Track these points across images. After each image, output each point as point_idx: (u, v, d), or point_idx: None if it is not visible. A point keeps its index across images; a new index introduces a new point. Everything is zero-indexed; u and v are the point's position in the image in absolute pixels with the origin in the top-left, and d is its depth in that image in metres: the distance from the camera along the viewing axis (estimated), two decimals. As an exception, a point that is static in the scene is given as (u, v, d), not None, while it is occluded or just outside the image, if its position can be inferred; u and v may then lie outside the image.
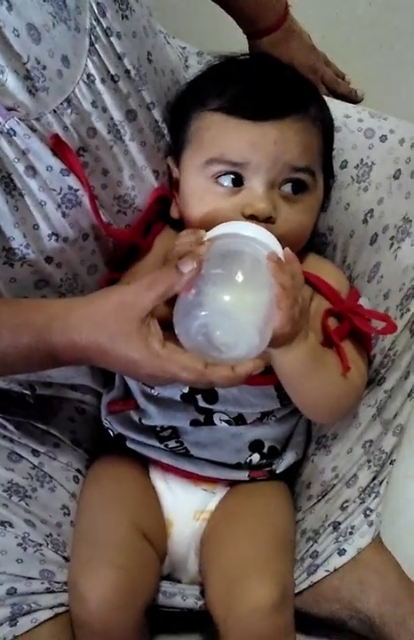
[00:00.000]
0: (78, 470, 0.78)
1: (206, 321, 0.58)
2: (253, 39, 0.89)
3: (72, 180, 0.66)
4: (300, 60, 0.90)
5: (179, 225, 0.73)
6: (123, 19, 0.68)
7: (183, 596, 0.75)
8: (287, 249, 0.63)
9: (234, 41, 0.88)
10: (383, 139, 0.75)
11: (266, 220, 0.66)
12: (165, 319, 0.61)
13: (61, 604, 0.71)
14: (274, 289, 0.60)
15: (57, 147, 0.65)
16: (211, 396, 0.72)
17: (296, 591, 0.75)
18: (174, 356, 0.59)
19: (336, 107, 0.78)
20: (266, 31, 0.87)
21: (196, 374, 0.59)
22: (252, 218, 0.66)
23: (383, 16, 1.19)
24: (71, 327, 0.61)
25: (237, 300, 0.59)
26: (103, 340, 0.60)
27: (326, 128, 0.73)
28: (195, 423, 0.74)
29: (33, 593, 0.70)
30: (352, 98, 0.96)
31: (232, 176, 0.67)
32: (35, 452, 0.75)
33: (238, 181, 0.67)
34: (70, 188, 0.67)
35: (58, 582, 0.71)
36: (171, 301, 0.61)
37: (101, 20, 0.66)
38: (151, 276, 0.61)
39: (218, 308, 0.58)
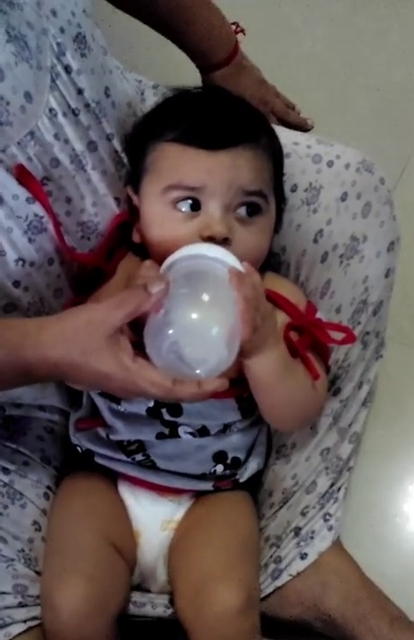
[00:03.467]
0: (48, 487, 0.80)
1: (176, 339, 0.61)
2: (205, 73, 0.94)
3: (37, 208, 0.70)
4: (251, 93, 0.95)
5: (141, 249, 0.77)
6: (81, 57, 0.72)
7: (153, 605, 0.77)
8: (245, 262, 0.67)
9: (188, 74, 0.93)
10: (330, 164, 0.80)
11: (224, 242, 0.70)
12: (133, 342, 0.64)
13: (34, 618, 0.72)
14: (237, 301, 0.63)
15: (21, 176, 0.68)
16: (176, 409, 0.75)
17: (261, 596, 0.78)
18: (144, 371, 0.62)
19: (285, 135, 0.82)
20: (217, 66, 0.92)
21: (164, 390, 0.62)
22: (210, 239, 0.69)
23: (327, 51, 1.26)
24: (43, 344, 0.64)
25: (204, 316, 0.62)
26: (75, 355, 0.63)
27: (276, 155, 0.77)
28: (160, 436, 0.76)
29: (6, 607, 0.71)
30: (302, 126, 1.01)
31: (190, 201, 0.71)
32: (5, 470, 0.77)
33: (195, 206, 0.71)
34: (36, 215, 0.70)
35: (31, 596, 0.73)
36: (137, 327, 0.64)
37: (61, 58, 0.70)
38: (120, 295, 0.64)
39: (187, 326, 0.62)
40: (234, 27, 0.94)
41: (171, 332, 0.61)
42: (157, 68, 0.93)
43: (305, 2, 1.31)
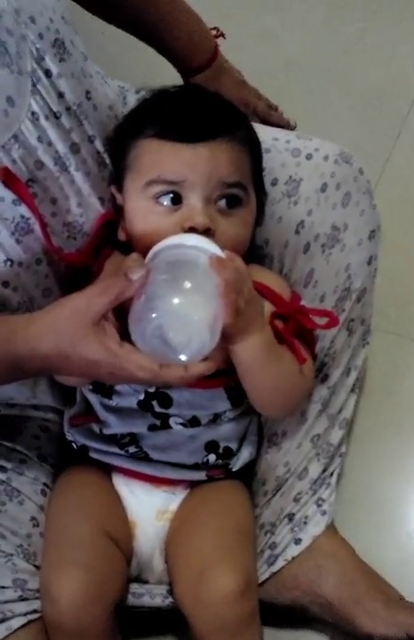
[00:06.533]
0: (45, 484, 0.81)
1: (159, 323, 0.63)
2: (187, 77, 0.96)
3: (23, 210, 0.71)
4: (232, 95, 0.96)
5: (127, 249, 0.78)
6: (60, 61, 0.73)
7: (151, 595, 0.78)
8: (227, 250, 0.68)
9: (171, 79, 0.95)
10: (309, 156, 0.81)
11: (206, 233, 0.71)
12: (119, 331, 0.65)
13: (34, 611, 0.73)
14: (218, 284, 0.65)
15: (7, 179, 0.70)
16: (166, 400, 0.76)
17: (258, 582, 0.78)
18: (131, 355, 0.63)
19: (265, 131, 0.84)
20: (198, 69, 0.94)
21: (152, 374, 0.63)
22: (192, 230, 0.71)
23: (306, 53, 1.28)
24: (32, 337, 0.65)
25: (186, 300, 0.64)
26: (63, 345, 0.64)
27: (254, 148, 0.78)
28: (152, 428, 0.78)
29: (6, 601, 0.72)
30: (285, 127, 1.02)
31: (171, 195, 0.72)
32: (2, 468, 0.79)
33: (177, 200, 0.72)
34: (22, 216, 0.71)
35: (30, 590, 0.74)
36: (123, 316, 0.66)
37: (41, 63, 0.72)
38: (103, 283, 0.66)
39: (169, 310, 0.63)
40: (214, 31, 0.96)
41: (153, 315, 0.63)
42: (141, 76, 0.95)
43: (283, 7, 1.34)
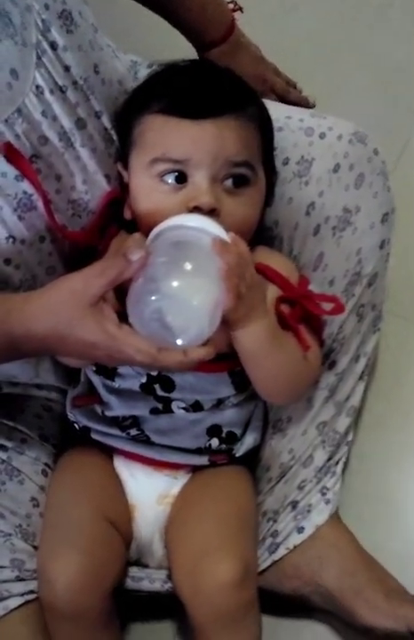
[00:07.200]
0: (46, 464, 0.81)
1: (158, 305, 0.62)
2: (202, 51, 0.93)
3: (26, 186, 0.70)
4: (248, 71, 0.94)
5: (133, 228, 0.76)
6: (67, 33, 0.72)
7: (150, 580, 0.77)
8: (232, 232, 0.66)
9: (189, 54, 0.92)
10: (322, 136, 0.79)
11: (211, 213, 0.69)
12: (117, 312, 0.64)
13: (31, 592, 0.73)
14: (220, 269, 0.63)
15: (9, 154, 0.68)
16: (169, 384, 0.75)
17: (259, 570, 0.78)
18: (129, 338, 0.62)
19: (278, 109, 0.82)
20: (212, 44, 0.92)
21: (150, 357, 0.62)
22: (197, 210, 0.69)
23: (328, 28, 1.24)
24: (28, 318, 0.64)
25: (185, 284, 0.62)
26: (60, 327, 0.63)
27: (264, 126, 0.76)
28: (154, 411, 0.77)
29: (4, 581, 0.72)
30: (304, 105, 1.00)
31: (175, 174, 0.70)
32: (2, 448, 0.78)
33: (182, 178, 0.71)
34: (25, 192, 0.70)
35: (28, 570, 0.74)
36: (122, 296, 0.64)
37: (46, 34, 0.70)
38: (100, 263, 0.64)
39: (168, 293, 0.62)
40: (231, 5, 0.93)
41: (152, 298, 0.62)
42: (159, 50, 0.93)
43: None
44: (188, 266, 0.63)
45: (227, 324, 0.66)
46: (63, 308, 0.63)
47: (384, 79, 1.20)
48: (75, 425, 0.81)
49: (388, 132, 1.03)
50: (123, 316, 0.64)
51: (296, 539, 0.79)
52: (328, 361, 0.80)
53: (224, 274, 0.63)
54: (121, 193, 0.78)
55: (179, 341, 0.62)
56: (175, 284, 0.62)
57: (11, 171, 0.69)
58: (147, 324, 0.62)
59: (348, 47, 1.23)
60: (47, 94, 0.71)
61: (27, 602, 0.73)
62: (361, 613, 0.75)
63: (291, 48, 1.16)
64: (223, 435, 0.79)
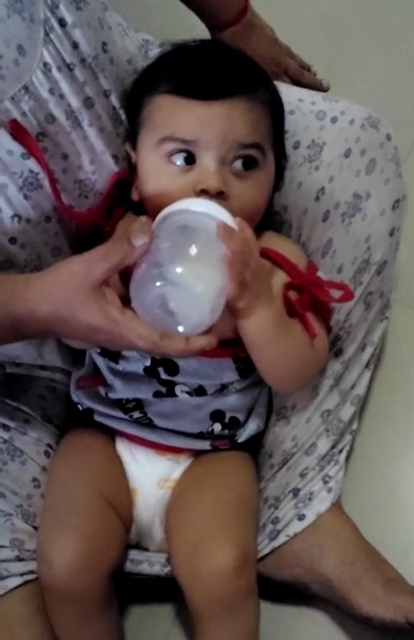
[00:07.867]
0: (49, 445, 0.81)
1: (160, 292, 0.61)
2: (215, 32, 0.92)
3: (32, 164, 0.69)
4: (262, 53, 0.93)
5: (141, 209, 0.75)
6: (77, 10, 0.71)
7: (150, 563, 0.77)
8: (238, 218, 0.65)
9: (202, 33, 0.91)
10: (334, 120, 0.78)
11: (218, 196, 0.68)
12: (121, 296, 0.63)
13: (31, 572, 0.73)
14: (224, 255, 0.62)
15: (16, 131, 0.68)
16: (173, 368, 0.74)
17: (259, 556, 0.77)
18: (132, 323, 0.62)
19: (290, 91, 0.80)
20: (226, 25, 0.90)
21: (151, 344, 0.62)
22: (204, 193, 0.68)
23: (345, 11, 1.22)
24: (30, 300, 0.63)
25: (189, 270, 0.61)
26: (62, 310, 0.62)
27: (275, 109, 0.75)
28: (157, 395, 0.76)
29: (3, 561, 0.72)
30: (318, 88, 0.99)
31: (184, 154, 0.69)
32: (5, 427, 0.78)
33: (190, 160, 0.70)
34: (31, 171, 0.69)
35: (28, 550, 0.74)
36: (127, 280, 0.64)
37: (55, 11, 0.69)
38: (104, 247, 0.64)
39: (171, 279, 0.61)
40: (245, -15, 0.92)
41: (157, 284, 0.61)
42: (173, 29, 0.91)
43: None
44: (192, 252, 0.62)
45: (232, 312, 0.65)
46: (64, 290, 0.62)
47: (400, 63, 1.18)
48: (79, 406, 0.81)
49: (402, 118, 1.01)
50: (127, 301, 0.63)
51: (297, 526, 0.78)
52: (334, 349, 0.79)
53: (228, 261, 0.62)
54: (129, 174, 0.77)
55: (180, 328, 0.62)
56: (178, 270, 0.61)
57: (18, 148, 0.68)
58: (149, 309, 0.61)
59: (364, 30, 1.21)
60: (55, 72, 0.70)
61: (27, 582, 0.73)
62: (359, 602, 0.75)
63: (306, 30, 1.15)
64: (226, 420, 0.78)
